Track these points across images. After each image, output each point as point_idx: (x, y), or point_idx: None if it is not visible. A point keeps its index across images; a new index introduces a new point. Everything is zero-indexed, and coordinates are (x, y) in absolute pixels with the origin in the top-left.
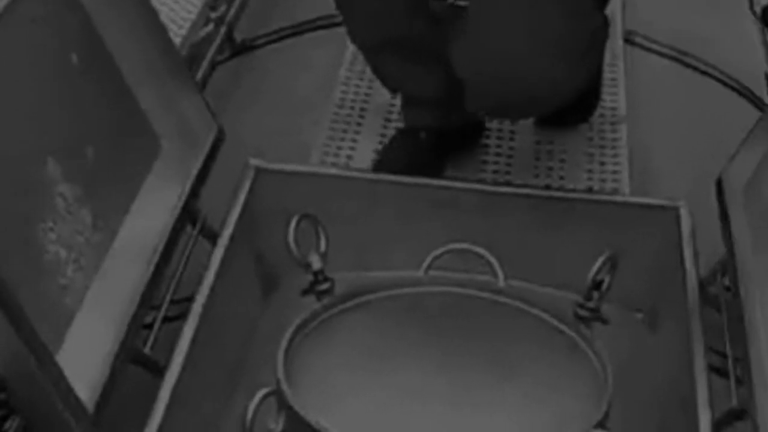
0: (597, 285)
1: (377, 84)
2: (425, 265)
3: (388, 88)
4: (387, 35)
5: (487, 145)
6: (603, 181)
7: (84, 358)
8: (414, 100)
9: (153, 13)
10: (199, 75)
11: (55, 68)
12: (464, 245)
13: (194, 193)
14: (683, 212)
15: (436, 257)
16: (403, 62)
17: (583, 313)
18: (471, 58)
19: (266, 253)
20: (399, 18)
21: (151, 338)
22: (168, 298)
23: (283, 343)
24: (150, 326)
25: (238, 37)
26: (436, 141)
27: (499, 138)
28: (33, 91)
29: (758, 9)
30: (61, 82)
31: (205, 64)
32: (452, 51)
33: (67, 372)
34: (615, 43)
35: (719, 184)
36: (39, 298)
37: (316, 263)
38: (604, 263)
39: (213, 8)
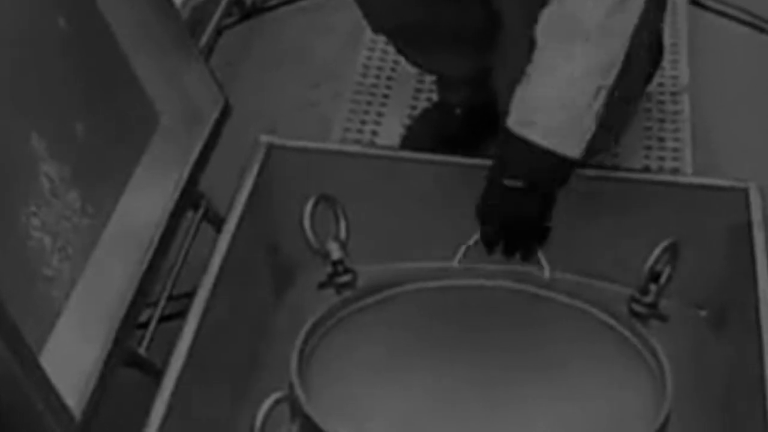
0: (655, 277)
1: None
2: (459, 255)
3: (416, 68)
4: (404, 19)
5: None
6: (662, 159)
7: (71, 359)
8: (446, 78)
9: None
10: (203, 41)
11: (40, 32)
12: None
13: (197, 173)
14: (753, 194)
15: (471, 246)
16: (426, 45)
17: (638, 308)
18: None
19: (279, 241)
20: (415, 1)
21: (147, 338)
22: (166, 293)
23: (298, 343)
24: (146, 324)
25: None
26: (472, 116)
27: None
28: (14, 58)
29: None
30: (46, 47)
31: (209, 28)
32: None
33: (52, 374)
34: (679, 4)
35: None
36: (21, 290)
37: (336, 252)
38: (662, 252)
39: None
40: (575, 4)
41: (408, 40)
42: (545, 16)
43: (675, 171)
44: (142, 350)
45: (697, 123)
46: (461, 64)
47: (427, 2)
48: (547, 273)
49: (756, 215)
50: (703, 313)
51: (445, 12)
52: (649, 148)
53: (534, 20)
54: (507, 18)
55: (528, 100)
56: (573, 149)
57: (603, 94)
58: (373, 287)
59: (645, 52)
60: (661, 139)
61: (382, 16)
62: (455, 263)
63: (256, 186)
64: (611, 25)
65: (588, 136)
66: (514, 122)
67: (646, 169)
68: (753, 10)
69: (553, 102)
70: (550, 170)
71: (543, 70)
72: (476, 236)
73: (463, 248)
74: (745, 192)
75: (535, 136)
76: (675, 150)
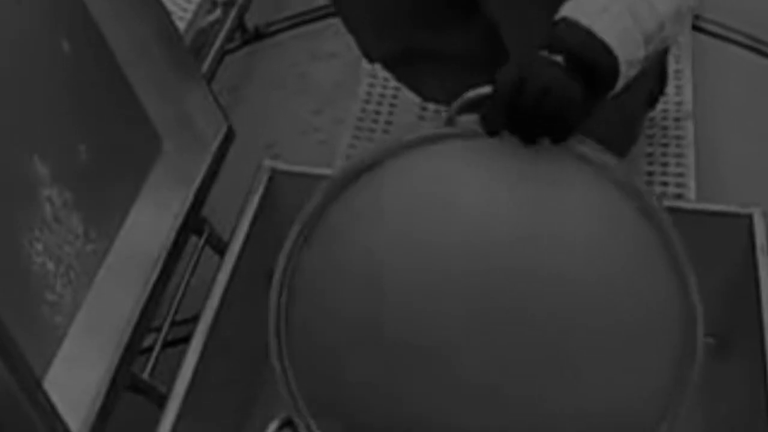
0: None
1: None
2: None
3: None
4: (397, 47)
5: None
6: (666, 185)
7: (74, 385)
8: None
9: None
10: (206, 65)
11: (43, 56)
12: None
13: (200, 199)
14: (757, 220)
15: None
16: (421, 74)
17: None
18: None
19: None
20: (406, 28)
21: (151, 363)
22: (170, 318)
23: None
24: (149, 349)
25: (250, 22)
26: None
27: None
28: (17, 81)
29: None
30: (50, 71)
31: (212, 53)
32: None
33: (56, 399)
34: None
35: None
36: (24, 315)
37: None
38: None
39: None
40: None
41: (402, 69)
42: None
43: (679, 197)
44: (145, 375)
45: (701, 148)
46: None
47: (414, 30)
48: None
49: (760, 241)
50: (708, 340)
51: (434, 39)
52: (652, 173)
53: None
54: (507, 41)
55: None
56: (626, 55)
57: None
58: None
59: (648, 73)
60: (665, 165)
61: (374, 46)
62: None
63: (258, 211)
64: None
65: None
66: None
67: None
68: (755, 34)
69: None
70: (607, 67)
71: None
72: (480, 91)
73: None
74: (750, 217)
75: (596, 27)
76: (679, 175)
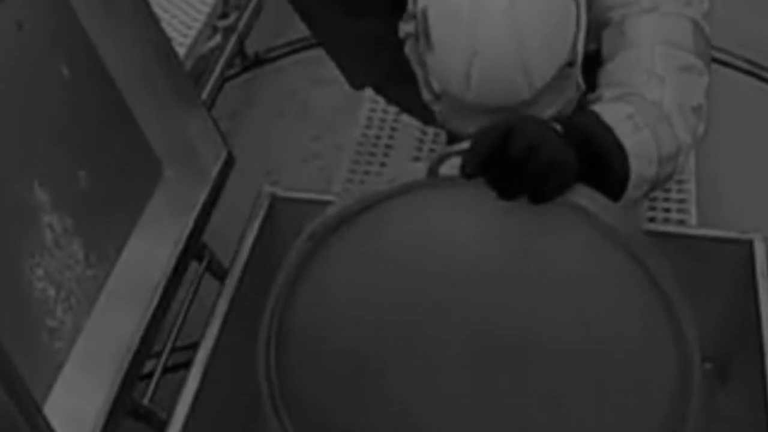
0: None
1: None
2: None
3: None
4: (380, 71)
5: None
6: (667, 210)
7: (75, 411)
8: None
9: (154, 21)
10: (207, 91)
11: (44, 81)
12: None
13: (200, 224)
14: (758, 246)
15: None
16: (410, 94)
17: None
18: None
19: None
20: (387, 52)
21: (151, 389)
22: (170, 344)
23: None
24: (150, 375)
25: (250, 48)
26: None
27: None
28: (18, 107)
29: None
30: (50, 96)
31: (213, 79)
32: None
33: (56, 425)
34: None
35: None
36: (25, 341)
37: None
38: None
39: (222, 16)
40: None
41: (390, 92)
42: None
43: (680, 222)
44: (146, 401)
45: (702, 174)
46: None
47: (396, 54)
48: None
49: (761, 266)
50: (708, 366)
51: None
52: (654, 199)
53: None
54: None
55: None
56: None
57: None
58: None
59: None
60: (667, 191)
61: (357, 73)
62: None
63: (258, 237)
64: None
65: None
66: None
67: (652, 220)
68: (756, 60)
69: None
70: (618, 166)
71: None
72: (462, 145)
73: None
74: (750, 243)
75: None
76: (680, 202)
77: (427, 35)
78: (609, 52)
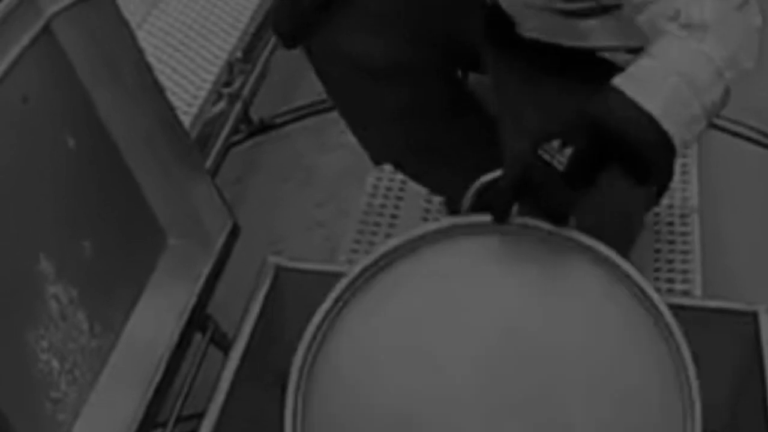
0: None
1: None
2: (469, 195)
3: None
4: (403, 145)
5: None
6: (671, 281)
7: None
8: (454, 203)
9: (159, 91)
10: (211, 158)
11: (49, 152)
12: None
13: (205, 295)
14: (763, 318)
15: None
16: (429, 172)
17: None
18: None
19: (286, 364)
20: (412, 127)
21: None
22: (174, 415)
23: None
24: None
25: (255, 114)
26: None
27: None
28: (23, 178)
29: None
30: (56, 167)
31: (217, 145)
32: None
33: None
34: None
35: None
36: (29, 413)
37: None
38: None
39: (227, 84)
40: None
41: (411, 169)
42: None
43: (684, 294)
44: None
45: (707, 243)
46: (467, 188)
47: (419, 128)
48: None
49: (766, 339)
50: None
51: (437, 135)
52: (658, 270)
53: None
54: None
55: (646, 69)
56: (678, 136)
57: (717, 90)
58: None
59: None
60: (671, 261)
61: (382, 151)
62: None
63: (263, 308)
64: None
65: (693, 135)
66: (625, 84)
67: (656, 291)
68: (763, 128)
69: (674, 73)
70: (655, 145)
71: (664, 44)
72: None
73: (473, 189)
74: (755, 315)
75: (651, 106)
76: (684, 272)
77: None
78: None
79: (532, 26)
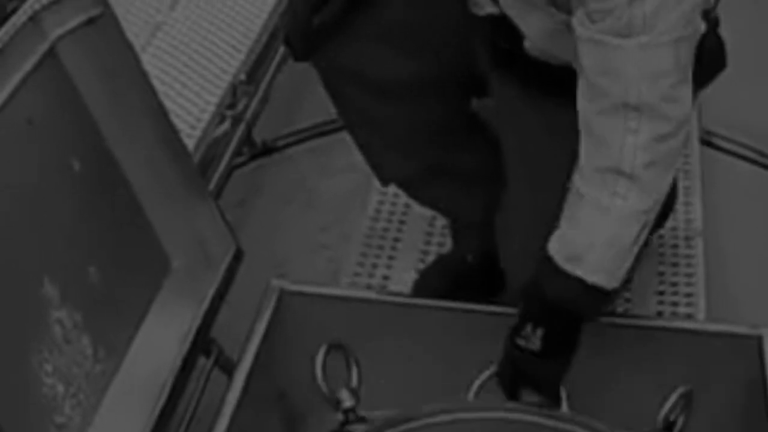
0: (669, 426)
1: None
2: (474, 389)
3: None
4: (412, 167)
5: None
6: (675, 305)
7: None
8: (459, 224)
9: (163, 114)
10: (214, 181)
11: (54, 176)
12: None
13: (208, 319)
14: (767, 341)
15: (485, 381)
16: (438, 190)
17: None
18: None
19: (290, 388)
20: (422, 150)
21: None
22: None
23: None
24: None
25: (258, 137)
26: (484, 263)
27: None
28: (28, 201)
29: None
30: (60, 191)
31: (221, 167)
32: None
33: None
34: (691, 145)
35: None
36: None
37: (347, 400)
38: (677, 401)
39: (230, 106)
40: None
41: (418, 189)
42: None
43: (688, 317)
44: None
45: (711, 266)
46: (471, 206)
47: (429, 151)
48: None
49: None
50: None
51: (446, 158)
52: (662, 293)
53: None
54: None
55: (573, 238)
56: (615, 283)
57: (645, 230)
58: (390, 421)
59: None
60: (674, 284)
61: (391, 169)
62: (471, 396)
63: (267, 332)
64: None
65: (626, 270)
66: (560, 258)
67: (659, 315)
68: (765, 150)
69: (601, 240)
70: (593, 305)
71: (589, 209)
72: (492, 370)
73: (477, 382)
74: (759, 339)
75: (581, 272)
76: (688, 295)
77: None
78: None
79: (535, 33)
